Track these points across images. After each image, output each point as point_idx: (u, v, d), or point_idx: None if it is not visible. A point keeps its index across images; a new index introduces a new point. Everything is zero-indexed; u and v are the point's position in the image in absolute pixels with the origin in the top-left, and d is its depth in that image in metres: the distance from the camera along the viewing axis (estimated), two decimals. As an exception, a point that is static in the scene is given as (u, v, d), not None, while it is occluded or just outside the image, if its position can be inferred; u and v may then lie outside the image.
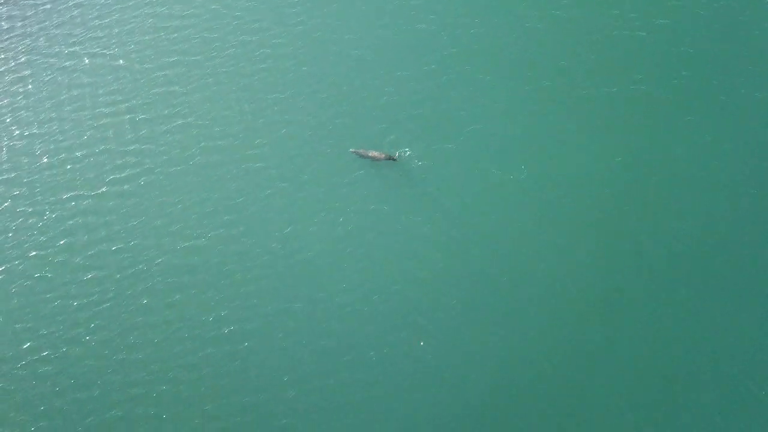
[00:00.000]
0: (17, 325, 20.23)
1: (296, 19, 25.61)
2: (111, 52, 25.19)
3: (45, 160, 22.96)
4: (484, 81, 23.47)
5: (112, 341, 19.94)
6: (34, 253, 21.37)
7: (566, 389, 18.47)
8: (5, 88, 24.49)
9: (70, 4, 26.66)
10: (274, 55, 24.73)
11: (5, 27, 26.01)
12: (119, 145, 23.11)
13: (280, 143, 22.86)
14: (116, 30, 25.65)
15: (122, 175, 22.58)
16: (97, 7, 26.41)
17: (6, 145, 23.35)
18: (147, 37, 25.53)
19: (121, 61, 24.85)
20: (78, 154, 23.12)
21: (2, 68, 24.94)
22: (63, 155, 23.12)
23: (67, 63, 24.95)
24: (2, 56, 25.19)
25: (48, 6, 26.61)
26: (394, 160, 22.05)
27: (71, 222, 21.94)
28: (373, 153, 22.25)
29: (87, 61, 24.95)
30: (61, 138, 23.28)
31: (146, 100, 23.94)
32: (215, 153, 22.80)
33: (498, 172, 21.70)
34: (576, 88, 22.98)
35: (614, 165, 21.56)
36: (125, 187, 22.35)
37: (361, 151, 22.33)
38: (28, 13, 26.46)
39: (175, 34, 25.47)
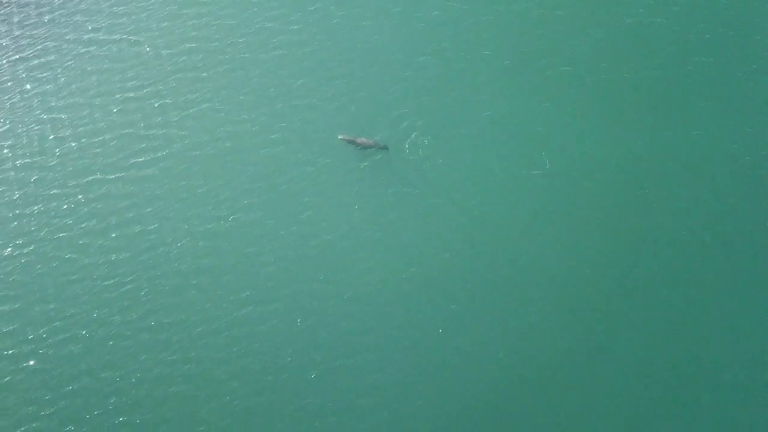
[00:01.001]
0: (44, 306, 20.59)
1: (314, 5, 25.84)
2: (132, 37, 25.42)
3: (70, 143, 23.26)
4: (502, 66, 23.71)
5: (137, 322, 20.26)
6: (59, 234, 21.71)
7: (582, 385, 18.83)
8: (30, 74, 24.76)
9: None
10: (292, 41, 24.98)
11: (27, 14, 26.27)
12: (142, 129, 23.41)
13: (300, 128, 23.13)
14: (137, 16, 25.87)
15: (145, 158, 22.89)
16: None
17: (31, 129, 23.64)
18: (167, 23, 25.75)
19: (142, 47, 25.11)
20: (102, 137, 23.39)
21: (26, 54, 25.19)
22: (87, 139, 23.39)
23: (89, 48, 25.20)
24: (25, 42, 25.47)
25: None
26: (385, 148, 22.21)
27: (95, 204, 22.24)
28: (362, 140, 22.28)
29: (109, 46, 25.20)
30: (85, 122, 23.57)
31: (167, 85, 24.21)
32: (236, 138, 23.08)
33: (515, 162, 21.94)
34: (594, 74, 23.22)
35: (631, 156, 21.82)
36: (148, 170, 22.66)
37: (350, 137, 22.44)
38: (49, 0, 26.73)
39: (195, 20, 25.69)
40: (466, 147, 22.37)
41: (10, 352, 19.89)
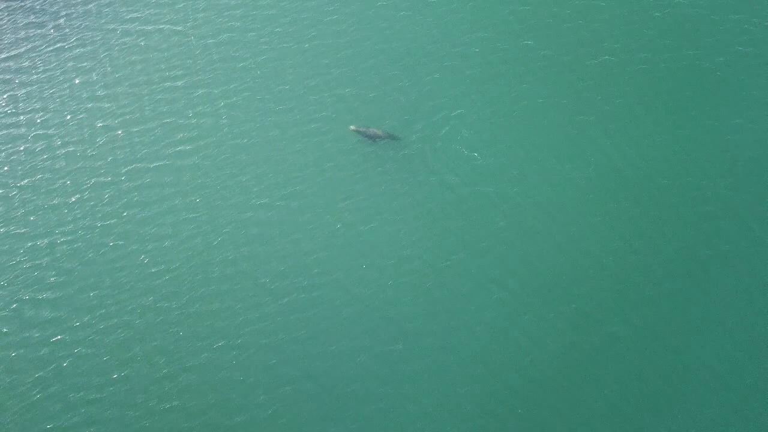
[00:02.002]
0: (90, 293, 20.75)
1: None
2: (173, 27, 25.54)
3: (115, 132, 23.41)
4: (543, 56, 23.70)
5: (183, 308, 20.37)
6: (104, 222, 21.84)
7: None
8: (73, 63, 24.94)
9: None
10: (329, 31, 25.04)
11: (68, 3, 26.42)
12: (185, 118, 23.52)
13: (340, 116, 23.19)
14: (177, 5, 25.99)
15: (188, 147, 22.99)
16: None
17: (75, 117, 23.81)
18: (206, 13, 25.85)
19: (183, 36, 25.23)
20: (145, 126, 23.52)
21: (68, 43, 25.36)
22: (131, 127, 23.53)
23: (131, 37, 25.34)
24: (68, 31, 25.64)
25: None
26: (396, 139, 22.24)
27: (140, 192, 22.37)
28: (373, 131, 22.38)
29: (150, 35, 25.34)
30: (129, 110, 23.70)
31: (209, 73, 24.31)
32: (278, 126, 23.17)
33: (556, 154, 21.91)
34: (637, 63, 23.19)
35: (679, 148, 21.74)
36: (191, 158, 22.76)
37: (362, 129, 22.49)
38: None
39: (234, 10, 25.80)
40: (504, 139, 22.33)
41: (58, 338, 20.08)
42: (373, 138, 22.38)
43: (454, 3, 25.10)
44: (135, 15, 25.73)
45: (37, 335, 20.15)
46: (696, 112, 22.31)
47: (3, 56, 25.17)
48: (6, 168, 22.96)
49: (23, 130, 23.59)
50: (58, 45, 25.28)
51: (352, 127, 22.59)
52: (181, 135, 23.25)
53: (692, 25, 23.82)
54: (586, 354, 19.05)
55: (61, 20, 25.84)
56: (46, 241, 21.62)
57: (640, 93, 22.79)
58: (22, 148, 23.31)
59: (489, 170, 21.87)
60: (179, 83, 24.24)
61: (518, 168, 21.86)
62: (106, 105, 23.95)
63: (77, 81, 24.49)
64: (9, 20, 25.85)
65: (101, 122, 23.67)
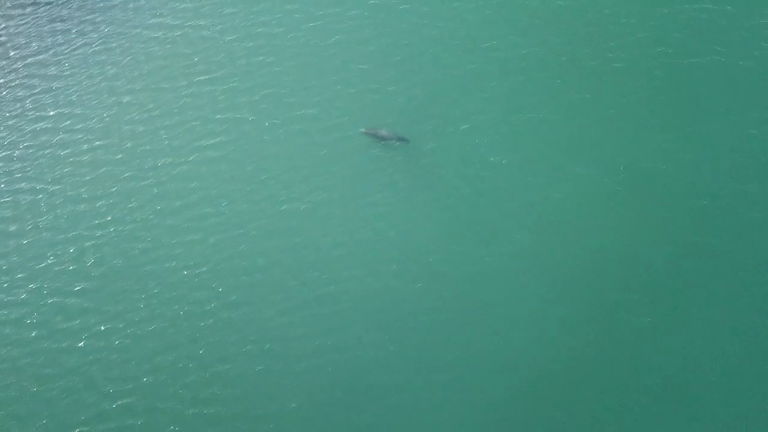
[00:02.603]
0: (120, 296, 20.80)
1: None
2: (197, 22, 25.75)
3: (140, 128, 23.57)
4: (569, 57, 23.89)
5: (211, 311, 20.39)
6: (132, 217, 21.97)
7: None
8: (97, 60, 25.12)
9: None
10: (354, 27, 25.21)
11: (86, 8, 26.60)
12: (210, 114, 23.65)
13: (365, 112, 23.31)
14: (200, 2, 26.21)
15: (214, 142, 23.13)
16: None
17: (101, 114, 23.97)
18: (228, 15, 26.07)
19: (207, 33, 25.42)
20: (171, 122, 23.64)
21: (92, 40, 25.55)
22: (151, 129, 23.65)
23: (155, 34, 25.53)
24: (90, 29, 25.83)
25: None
26: (405, 140, 22.36)
27: (162, 194, 22.47)
28: (382, 132, 22.49)
29: (174, 32, 25.52)
30: (154, 107, 23.87)
31: (234, 70, 24.47)
32: (302, 122, 23.28)
33: (581, 157, 21.86)
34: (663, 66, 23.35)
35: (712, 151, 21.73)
36: (217, 154, 22.88)
37: (372, 131, 22.61)
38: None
39: (257, 7, 25.99)
40: (528, 144, 22.27)
41: (93, 330, 20.14)
42: (382, 139, 22.51)
43: (477, 2, 25.27)
44: (159, 16, 25.94)
45: (65, 338, 20.17)
46: (721, 111, 22.40)
47: (29, 59, 25.36)
48: (33, 170, 23.08)
49: (49, 132, 23.72)
50: (83, 47, 25.47)
51: (362, 130, 22.75)
52: (207, 135, 23.36)
53: (716, 24, 23.98)
54: (620, 370, 18.95)
55: (86, 23, 26.02)
56: (74, 243, 21.71)
57: (664, 93, 22.83)
58: (48, 151, 23.44)
59: (504, 171, 21.88)
60: (204, 84, 24.39)
61: (534, 168, 21.82)
62: (132, 106, 24.10)
63: (102, 83, 24.65)
64: (34, 23, 26.05)
65: (127, 123, 23.80)
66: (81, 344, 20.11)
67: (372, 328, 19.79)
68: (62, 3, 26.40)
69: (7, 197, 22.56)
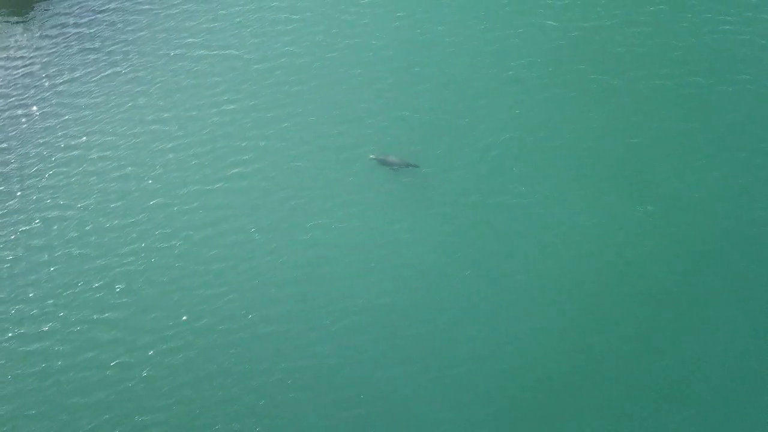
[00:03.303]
0: (150, 315, 20.78)
1: (398, 23, 26.25)
2: (221, 52, 25.94)
3: (168, 156, 23.63)
4: (597, 80, 23.88)
5: (241, 331, 20.35)
6: (160, 245, 21.96)
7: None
8: (124, 86, 25.30)
9: (174, 10, 27.52)
10: (379, 58, 25.33)
11: (116, 29, 26.88)
12: (238, 141, 23.70)
13: (390, 137, 23.38)
14: (224, 31, 26.38)
15: (241, 170, 23.16)
16: (202, 11, 27.21)
17: (129, 141, 24.05)
18: (255, 39, 26.24)
19: (231, 62, 25.56)
20: (195, 151, 23.67)
21: (118, 68, 25.77)
22: (180, 152, 23.68)
23: (178, 64, 25.54)
24: (118, 57, 26.07)
25: (153, 8, 27.45)
26: (415, 167, 22.31)
27: (191, 216, 22.46)
28: (392, 158, 22.51)
29: (201, 60, 25.68)
30: (182, 134, 23.95)
31: (261, 98, 24.52)
32: (331, 150, 23.29)
33: (614, 189, 21.73)
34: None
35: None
36: (245, 182, 22.90)
37: (381, 157, 22.60)
38: (134, 17, 27.37)
39: (284, 36, 26.15)
40: (555, 173, 22.18)
41: (122, 360, 20.07)
42: (391, 166, 22.47)
43: (507, 30, 25.33)
44: (188, 41, 26.14)
45: (94, 368, 20.05)
46: (754, 136, 22.26)
47: (58, 81, 25.59)
48: (63, 192, 23.17)
49: (79, 159, 23.77)
50: (112, 70, 25.68)
51: (371, 156, 22.72)
52: (235, 159, 23.42)
53: (747, 51, 23.90)
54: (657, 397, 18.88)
55: (115, 52, 26.21)
56: (103, 263, 21.70)
57: (696, 118, 22.75)
58: (77, 172, 23.55)
59: (521, 195, 21.91)
60: (232, 107, 24.50)
61: (550, 192, 21.75)
62: (161, 129, 24.22)
63: (132, 110, 24.76)
64: (64, 46, 26.34)
65: (156, 146, 23.90)
66: (108, 373, 19.99)
67: (404, 361, 19.64)
68: (92, 32, 26.67)
69: (37, 223, 22.63)
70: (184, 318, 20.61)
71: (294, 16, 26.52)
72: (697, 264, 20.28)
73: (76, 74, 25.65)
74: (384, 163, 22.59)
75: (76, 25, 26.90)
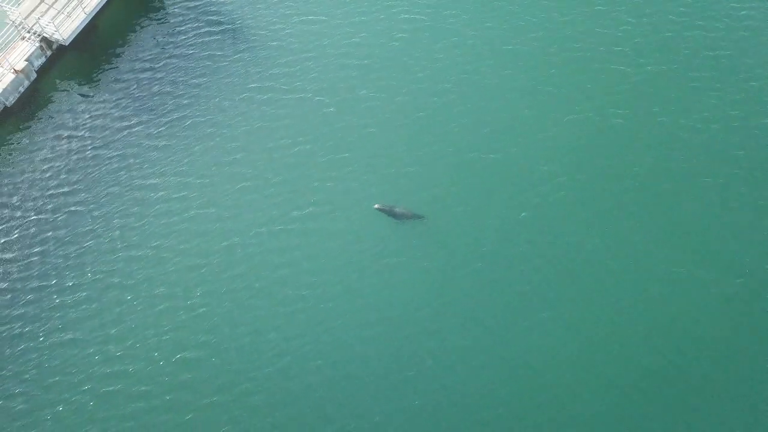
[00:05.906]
0: (232, 354, 21.49)
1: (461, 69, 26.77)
2: (290, 95, 26.40)
3: (236, 197, 24.14)
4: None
5: (311, 376, 21.05)
6: (236, 285, 22.50)
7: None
8: (194, 129, 25.79)
9: (238, 56, 28.03)
10: (438, 104, 25.89)
11: (179, 75, 27.38)
12: (308, 182, 24.22)
13: (435, 169, 24.23)
14: (289, 75, 26.93)
15: (310, 210, 23.70)
16: (262, 58, 27.67)
17: (197, 185, 24.56)
18: (321, 82, 26.66)
19: (301, 104, 26.07)
20: (268, 191, 24.19)
21: (188, 111, 26.20)
22: (253, 192, 24.22)
23: (247, 108, 26.06)
24: (186, 101, 26.56)
25: (218, 55, 27.96)
26: (421, 218, 22.84)
27: (268, 255, 23.05)
28: (399, 210, 22.99)
29: (267, 103, 26.19)
30: (250, 175, 24.55)
31: (327, 139, 25.10)
32: (394, 192, 23.78)
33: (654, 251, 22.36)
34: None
35: None
36: (314, 223, 23.47)
37: (387, 207, 23.08)
38: (201, 63, 27.82)
39: (349, 78, 26.61)
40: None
41: (201, 403, 20.70)
42: (397, 217, 22.99)
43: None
44: (255, 85, 26.72)
45: (172, 411, 20.67)
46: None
47: (129, 124, 26.10)
48: (140, 232, 23.64)
49: (151, 201, 24.32)
50: (180, 114, 26.20)
51: (376, 206, 23.16)
52: (308, 199, 23.91)
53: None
54: None
55: (186, 95, 26.74)
56: (183, 302, 22.25)
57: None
58: (152, 211, 24.04)
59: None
60: (300, 149, 24.99)
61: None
62: (234, 171, 24.71)
63: (203, 152, 25.26)
64: (136, 94, 26.90)
65: (229, 187, 24.36)
66: (189, 416, 20.47)
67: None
68: (161, 76, 27.23)
69: (120, 264, 23.09)
70: (260, 360, 21.25)
71: (353, 62, 27.07)
72: None
73: (148, 118, 26.19)
74: (390, 213, 22.98)
75: (145, 69, 27.54)
